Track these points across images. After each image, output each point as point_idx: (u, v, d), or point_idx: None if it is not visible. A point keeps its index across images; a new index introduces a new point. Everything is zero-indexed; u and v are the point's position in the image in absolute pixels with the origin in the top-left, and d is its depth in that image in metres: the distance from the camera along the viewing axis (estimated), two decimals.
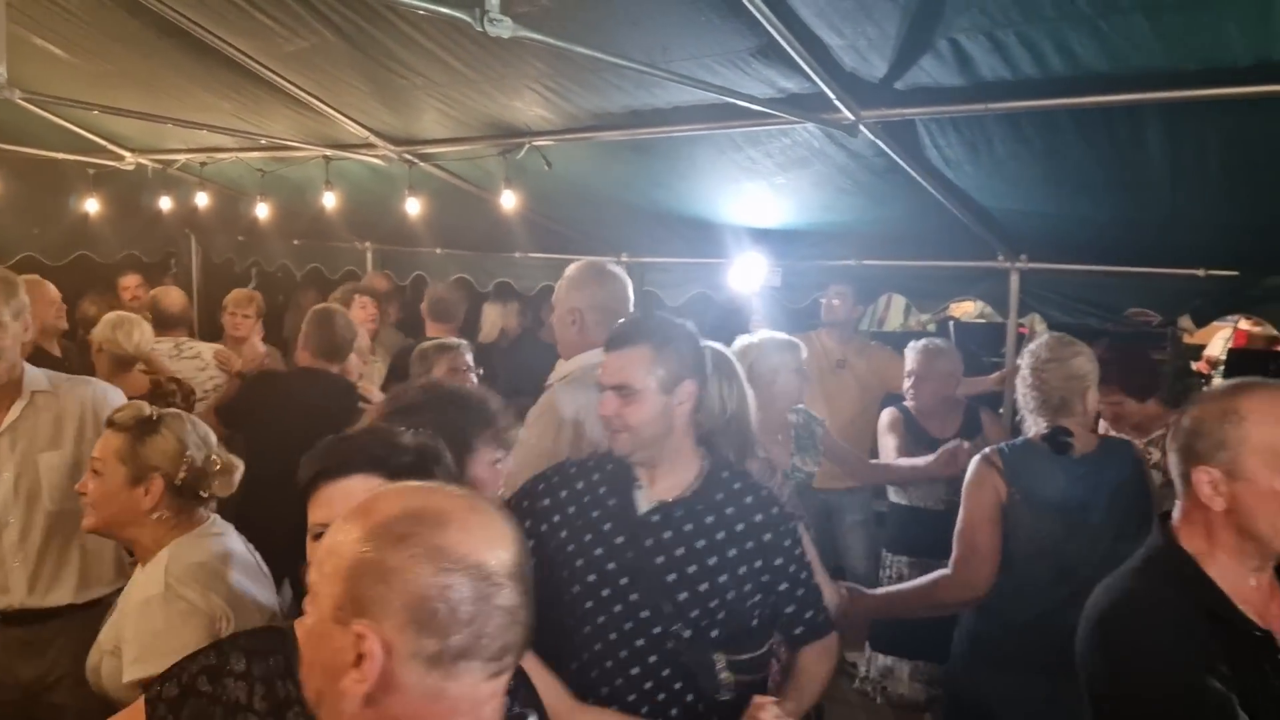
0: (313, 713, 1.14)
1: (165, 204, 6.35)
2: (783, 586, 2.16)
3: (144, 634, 2.04)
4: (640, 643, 2.06)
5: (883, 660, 3.94)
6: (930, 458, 3.71)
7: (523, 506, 2.20)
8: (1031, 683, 2.76)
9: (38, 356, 3.74)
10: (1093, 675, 1.72)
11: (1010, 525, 2.85)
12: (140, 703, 1.44)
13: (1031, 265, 4.43)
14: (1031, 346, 3.07)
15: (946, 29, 2.71)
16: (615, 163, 4.44)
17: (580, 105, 3.88)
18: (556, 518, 2.17)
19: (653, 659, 2.06)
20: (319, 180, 5.37)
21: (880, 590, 3.31)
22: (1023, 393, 3.00)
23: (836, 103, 3.19)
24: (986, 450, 2.98)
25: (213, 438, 2.40)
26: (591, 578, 2.08)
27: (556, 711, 1.80)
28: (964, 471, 3.03)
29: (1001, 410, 4.53)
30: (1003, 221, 4.11)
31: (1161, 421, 3.43)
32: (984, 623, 2.95)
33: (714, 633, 2.06)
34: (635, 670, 2.05)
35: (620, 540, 2.09)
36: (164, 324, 4.86)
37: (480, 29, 2.31)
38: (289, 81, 4.30)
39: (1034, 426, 2.97)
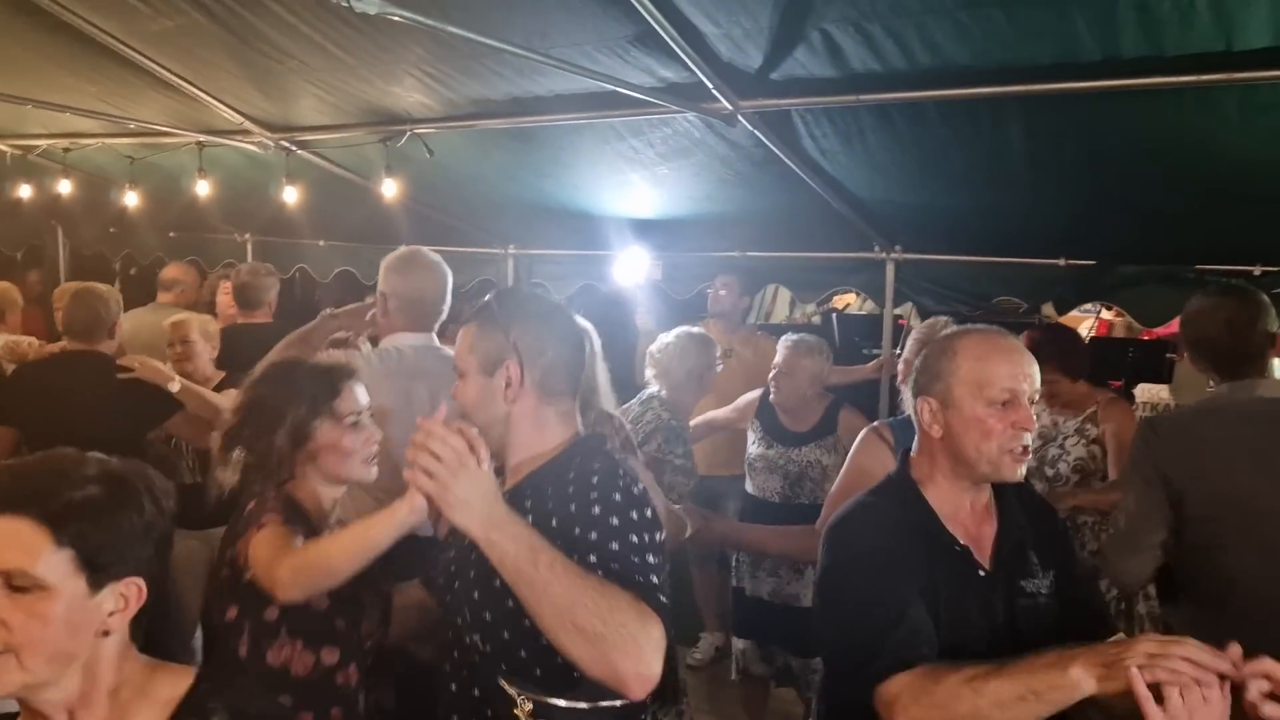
0: None
1: (25, 192, 6.03)
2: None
3: None
4: (455, 655, 1.80)
5: (740, 644, 3.95)
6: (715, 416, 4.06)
7: None
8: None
9: None
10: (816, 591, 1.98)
11: None
12: None
13: (906, 256, 4.58)
14: (915, 332, 3.19)
15: (817, 20, 2.78)
16: (499, 151, 4.41)
17: (461, 92, 3.85)
18: None
19: (463, 676, 1.78)
20: (192, 168, 5.19)
21: (737, 523, 3.29)
22: (903, 369, 3.10)
23: (715, 92, 3.24)
24: (876, 423, 3.06)
25: None
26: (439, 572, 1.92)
27: None
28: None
29: (881, 396, 4.69)
30: (877, 212, 4.23)
31: (1091, 400, 3.58)
32: None
33: (505, 653, 1.68)
34: (453, 687, 1.81)
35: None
36: None
37: (347, 4, 2.27)
38: (156, 63, 4.14)
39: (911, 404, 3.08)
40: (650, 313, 5.05)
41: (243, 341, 4.15)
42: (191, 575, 3.30)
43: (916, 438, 1.97)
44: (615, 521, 1.60)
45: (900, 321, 5.43)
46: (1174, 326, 4.44)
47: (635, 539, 1.59)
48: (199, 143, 5.03)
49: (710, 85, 3.19)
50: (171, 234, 7.09)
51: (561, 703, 1.61)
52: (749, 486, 4.11)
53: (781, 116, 3.43)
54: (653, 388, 3.62)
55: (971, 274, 4.45)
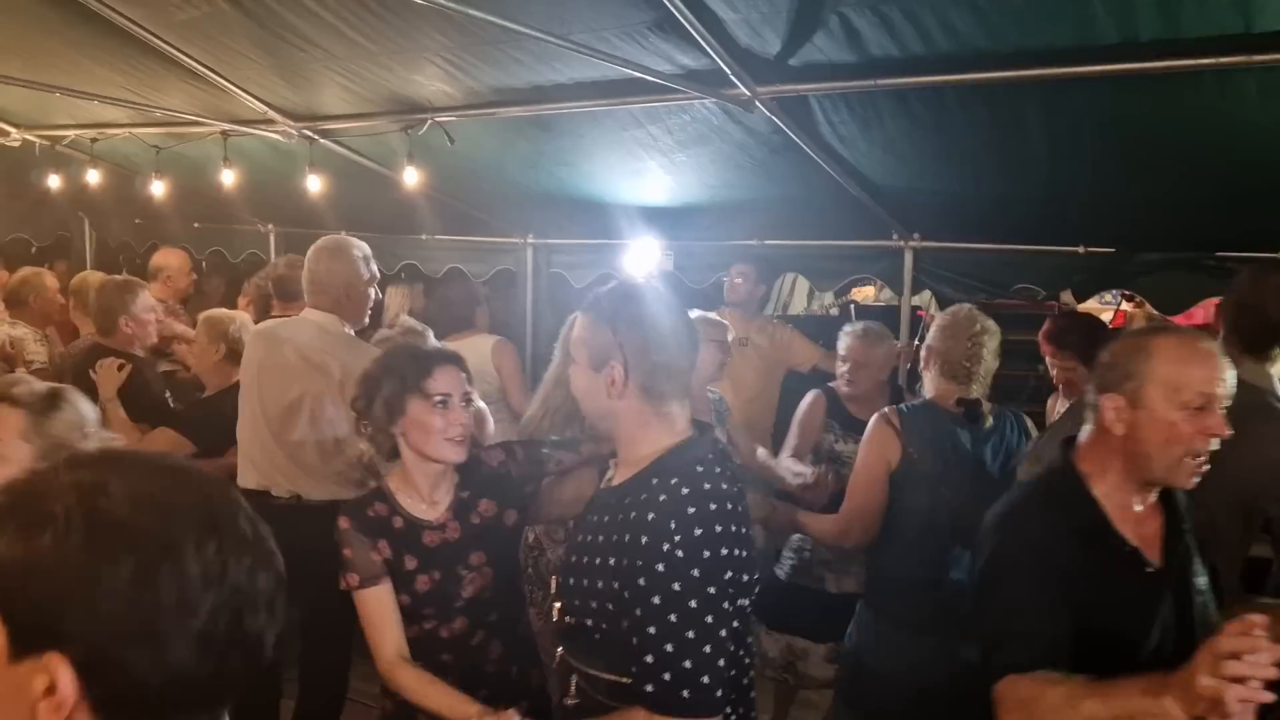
0: None
1: (54, 182, 6.12)
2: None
3: None
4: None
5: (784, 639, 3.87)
6: (797, 474, 3.57)
7: None
8: (920, 639, 2.89)
9: None
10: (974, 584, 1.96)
11: (902, 483, 2.96)
12: None
13: (924, 244, 4.58)
14: (940, 319, 3.20)
15: (835, 3, 2.79)
16: (519, 139, 4.44)
17: (482, 80, 3.88)
18: None
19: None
20: (217, 158, 5.25)
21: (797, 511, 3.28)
22: (928, 360, 3.12)
23: (733, 78, 3.25)
24: (886, 410, 3.09)
25: (94, 414, 2.32)
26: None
27: None
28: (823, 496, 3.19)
29: (901, 383, 4.69)
30: (895, 200, 4.24)
31: None
32: (878, 581, 3.07)
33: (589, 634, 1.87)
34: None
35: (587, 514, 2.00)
36: None
37: None
38: (182, 53, 4.20)
39: (933, 390, 3.08)
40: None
41: None
42: None
43: (1087, 431, 1.94)
44: (677, 587, 1.66)
45: (920, 313, 5.42)
46: (1194, 316, 4.44)
47: (674, 618, 1.66)
48: (224, 132, 5.09)
49: (728, 71, 3.20)
50: (196, 225, 7.17)
51: (608, 677, 1.80)
52: None
53: (799, 102, 3.44)
54: None
55: (990, 262, 4.45)
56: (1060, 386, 3.76)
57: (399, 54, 3.79)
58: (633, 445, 1.87)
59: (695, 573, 1.66)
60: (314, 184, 4.98)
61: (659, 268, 5.13)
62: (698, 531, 1.69)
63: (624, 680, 1.75)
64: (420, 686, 2.19)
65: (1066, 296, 4.66)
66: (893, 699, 2.92)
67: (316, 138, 4.86)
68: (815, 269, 5.12)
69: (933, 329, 3.18)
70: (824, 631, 3.63)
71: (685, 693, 1.65)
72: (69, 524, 0.83)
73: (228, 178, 5.27)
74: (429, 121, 4.30)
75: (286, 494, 3.39)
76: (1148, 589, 1.81)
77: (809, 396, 4.02)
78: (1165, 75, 2.72)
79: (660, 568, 1.66)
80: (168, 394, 4.42)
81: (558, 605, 1.94)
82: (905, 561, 2.98)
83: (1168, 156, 3.26)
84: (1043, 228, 4.15)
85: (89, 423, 2.22)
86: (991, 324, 3.09)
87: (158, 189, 5.73)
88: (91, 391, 3.44)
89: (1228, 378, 1.79)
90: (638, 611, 1.68)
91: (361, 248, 3.63)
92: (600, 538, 1.83)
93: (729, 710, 1.79)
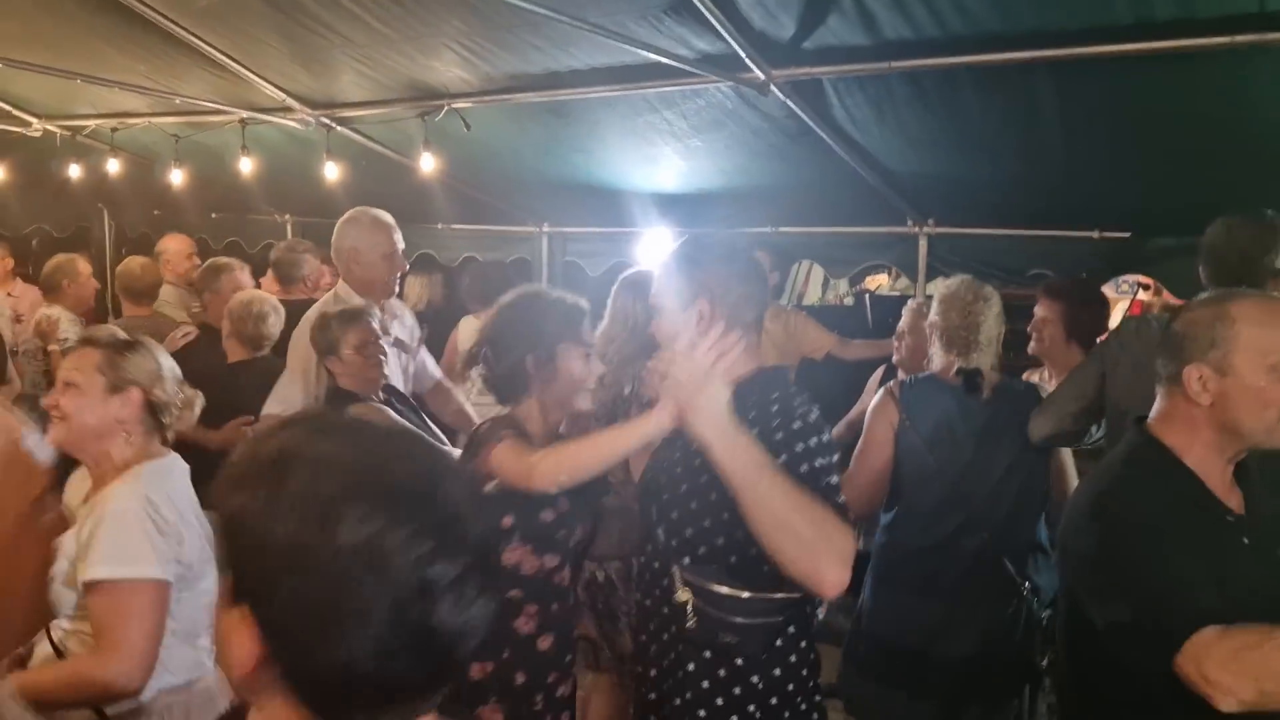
0: None
1: (74, 173, 6.18)
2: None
3: (113, 541, 2.08)
4: (649, 548, 2.12)
5: None
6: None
7: None
8: (927, 605, 2.92)
9: None
10: (1085, 564, 1.87)
11: (902, 452, 3.01)
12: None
13: (938, 230, 4.59)
14: (941, 290, 3.21)
15: None
16: (534, 126, 4.47)
17: (498, 66, 3.91)
18: None
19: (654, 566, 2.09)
20: (235, 146, 5.30)
21: None
22: (932, 334, 3.14)
23: (747, 61, 3.27)
24: (890, 382, 3.14)
25: (178, 370, 2.42)
26: None
27: None
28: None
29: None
30: (910, 185, 4.25)
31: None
32: (885, 548, 3.10)
33: (674, 542, 2.01)
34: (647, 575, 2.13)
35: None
36: None
37: None
38: (203, 40, 4.24)
39: (938, 363, 3.11)
40: None
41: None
42: None
43: (1160, 405, 1.90)
44: (801, 447, 1.83)
45: None
46: None
47: (822, 462, 1.84)
48: (242, 120, 5.13)
49: (743, 54, 3.23)
50: (214, 215, 7.24)
51: (725, 590, 1.88)
52: None
53: (814, 86, 3.46)
54: None
55: (1004, 247, 4.46)
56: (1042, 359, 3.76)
57: (416, 40, 3.82)
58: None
59: (825, 436, 1.88)
60: (331, 171, 5.03)
61: None
62: (813, 417, 1.90)
63: (743, 595, 1.88)
64: None
65: None
66: (899, 663, 2.95)
67: (334, 125, 4.90)
68: (829, 256, 5.13)
69: (933, 303, 3.20)
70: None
71: (850, 520, 1.79)
72: (262, 483, 0.86)
73: (245, 166, 5.31)
74: (445, 107, 4.33)
75: None
76: (1248, 554, 1.79)
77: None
78: (1180, 55, 2.73)
79: (797, 425, 1.86)
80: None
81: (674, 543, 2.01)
82: (908, 529, 3.03)
83: (1183, 137, 3.27)
84: (1058, 212, 4.15)
85: (165, 369, 2.34)
86: (989, 290, 3.11)
87: (176, 178, 5.79)
88: None
89: None
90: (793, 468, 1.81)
91: (382, 219, 3.65)
92: (699, 460, 1.91)
93: None
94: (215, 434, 3.58)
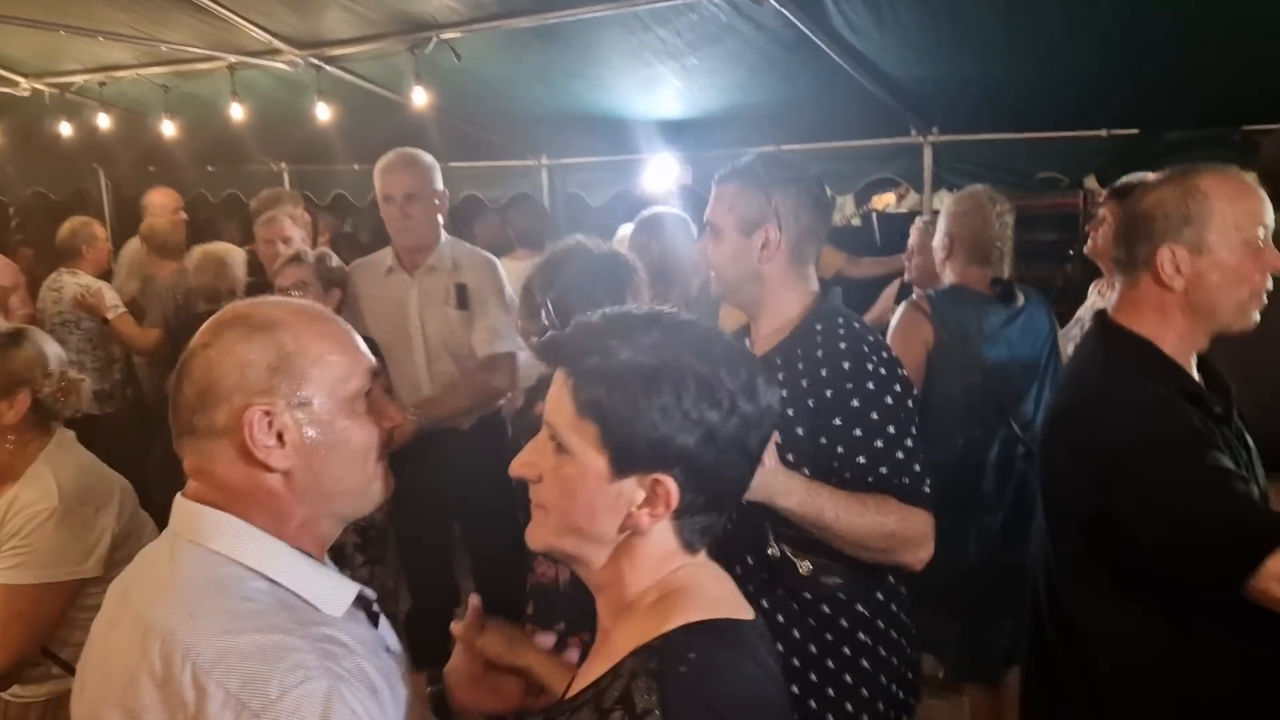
0: None
1: (66, 130, 6.10)
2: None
3: (35, 545, 2.09)
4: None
5: None
6: None
7: None
8: (954, 522, 2.90)
9: None
10: (1106, 487, 1.66)
11: (939, 366, 2.92)
12: None
13: (943, 138, 4.51)
14: (954, 204, 3.13)
15: None
16: (526, 54, 4.38)
17: None
18: None
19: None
20: (225, 94, 5.21)
21: None
22: (950, 248, 3.07)
23: None
24: (914, 296, 3.07)
25: (63, 353, 2.36)
26: None
27: None
28: None
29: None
30: (912, 91, 4.16)
31: None
32: None
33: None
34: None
35: None
36: None
37: None
38: None
39: (959, 277, 3.05)
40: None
41: None
42: None
43: (1122, 293, 1.78)
44: (875, 417, 1.78)
45: None
46: None
47: (893, 429, 1.78)
48: (230, 66, 5.05)
49: None
50: (210, 168, 7.16)
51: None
52: None
53: None
54: None
55: (1010, 151, 4.38)
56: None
57: None
58: (777, 309, 1.95)
59: (897, 387, 1.82)
60: (323, 112, 4.95)
61: (677, 183, 5.08)
62: (885, 353, 1.86)
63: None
64: None
65: (1091, 183, 4.58)
66: (926, 578, 2.95)
67: (323, 65, 4.81)
68: (833, 171, 5.02)
69: (948, 216, 3.12)
70: None
71: (925, 487, 1.80)
72: (635, 373, 1.03)
73: (237, 113, 5.23)
74: (434, 39, 4.24)
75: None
76: (1232, 444, 1.70)
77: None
78: None
79: (871, 385, 1.80)
80: None
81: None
82: (948, 446, 2.89)
83: (1188, 22, 3.17)
84: (1064, 112, 4.06)
85: (51, 360, 2.26)
86: (1006, 200, 3.06)
87: (168, 129, 5.71)
88: None
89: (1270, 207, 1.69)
90: (857, 432, 1.79)
91: (414, 157, 3.45)
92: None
93: None
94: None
